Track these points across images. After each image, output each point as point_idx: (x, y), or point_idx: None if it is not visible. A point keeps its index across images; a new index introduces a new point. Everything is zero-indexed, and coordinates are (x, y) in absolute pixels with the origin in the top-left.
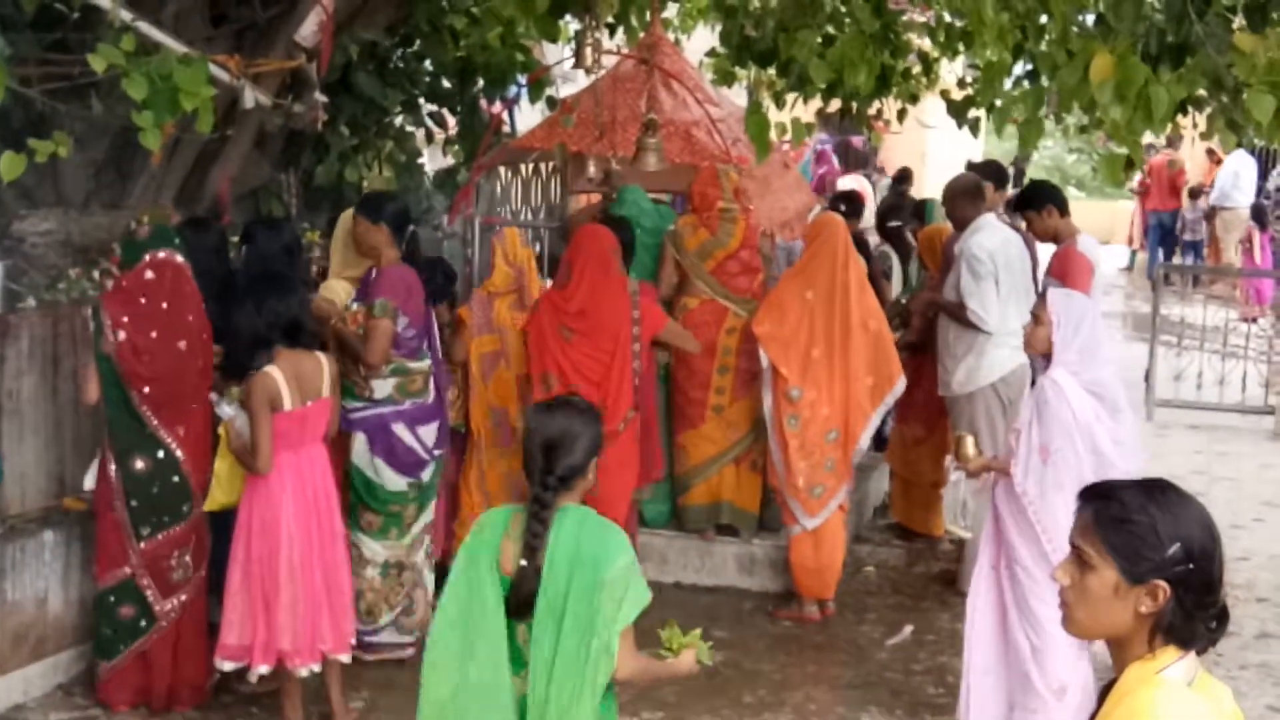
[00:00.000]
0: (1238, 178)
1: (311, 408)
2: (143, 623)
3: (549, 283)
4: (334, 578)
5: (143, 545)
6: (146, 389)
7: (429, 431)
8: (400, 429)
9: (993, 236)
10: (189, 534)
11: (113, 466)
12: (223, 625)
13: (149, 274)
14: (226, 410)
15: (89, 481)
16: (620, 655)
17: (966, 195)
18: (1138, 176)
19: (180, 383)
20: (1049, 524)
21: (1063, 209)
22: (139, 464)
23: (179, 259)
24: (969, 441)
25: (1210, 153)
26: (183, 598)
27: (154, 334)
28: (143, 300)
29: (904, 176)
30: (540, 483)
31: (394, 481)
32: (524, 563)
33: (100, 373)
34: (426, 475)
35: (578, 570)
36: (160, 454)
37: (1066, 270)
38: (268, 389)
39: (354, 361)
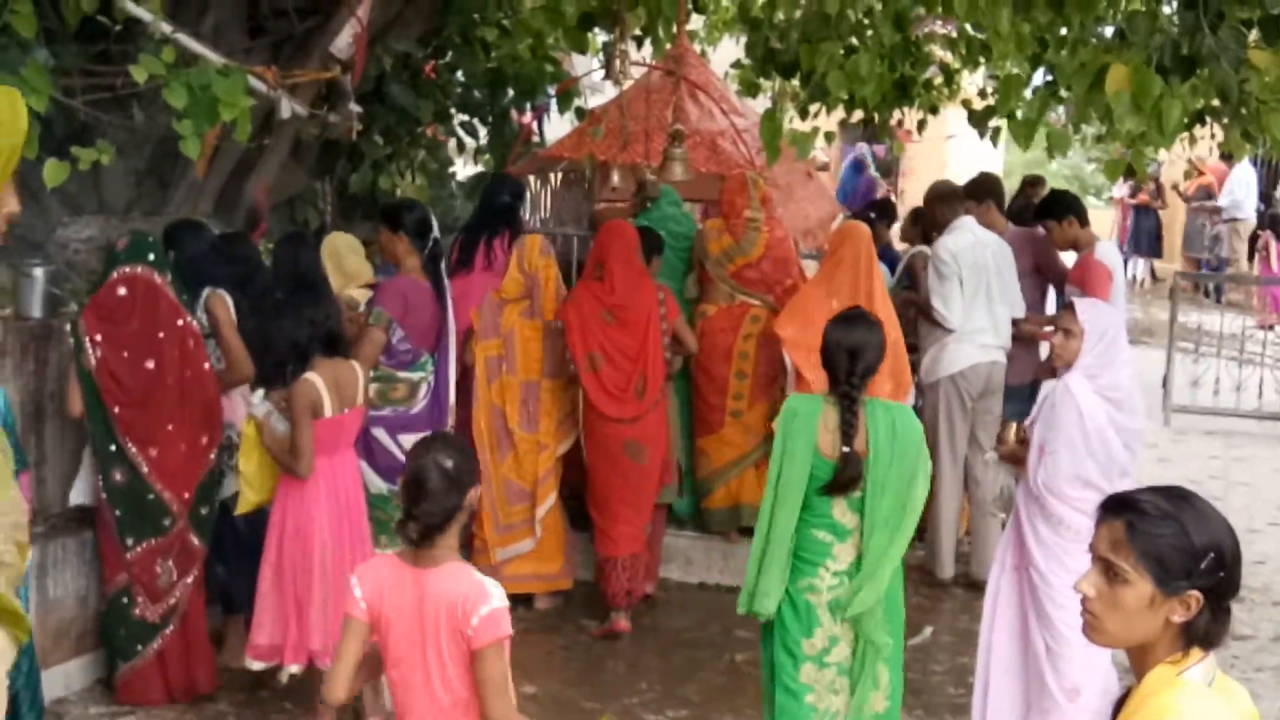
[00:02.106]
0: (1249, 188)
1: (348, 415)
2: (157, 622)
3: None
4: None
5: (128, 556)
6: (117, 409)
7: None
8: (379, 433)
9: (960, 239)
10: (172, 543)
11: (99, 477)
12: (253, 625)
13: (121, 290)
14: (259, 407)
15: (75, 496)
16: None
17: (942, 200)
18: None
19: (149, 405)
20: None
21: (1082, 219)
22: (117, 476)
23: (155, 276)
24: (1012, 428)
25: (1189, 162)
26: (173, 603)
27: (125, 354)
28: (114, 318)
29: (1037, 180)
30: (846, 382)
31: (375, 484)
32: (846, 449)
33: (82, 386)
34: None
35: (896, 447)
36: (133, 473)
37: (1085, 278)
38: (310, 395)
39: None
